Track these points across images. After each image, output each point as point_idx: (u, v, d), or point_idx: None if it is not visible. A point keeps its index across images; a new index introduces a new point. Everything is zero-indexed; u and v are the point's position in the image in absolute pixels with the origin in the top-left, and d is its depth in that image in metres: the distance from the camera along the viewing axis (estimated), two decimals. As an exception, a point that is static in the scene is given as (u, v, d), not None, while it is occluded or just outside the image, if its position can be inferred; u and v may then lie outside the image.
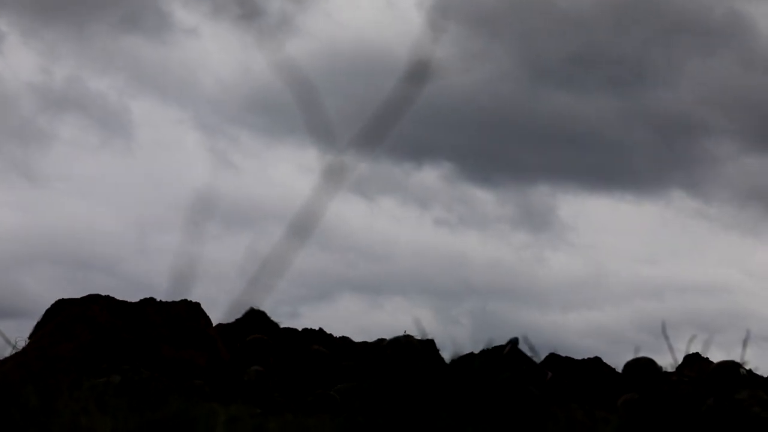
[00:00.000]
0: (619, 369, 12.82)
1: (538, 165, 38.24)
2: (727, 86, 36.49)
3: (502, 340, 10.72)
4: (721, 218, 36.99)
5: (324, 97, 2.99)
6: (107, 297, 14.71)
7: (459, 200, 37.57)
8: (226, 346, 14.86)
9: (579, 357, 16.71)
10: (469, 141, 38.57)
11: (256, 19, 3.04)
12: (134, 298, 14.94)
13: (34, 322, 14.56)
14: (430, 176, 39.08)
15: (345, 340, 17.20)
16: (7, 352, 12.07)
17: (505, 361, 10.16)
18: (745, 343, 7.15)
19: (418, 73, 2.99)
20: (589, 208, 38.87)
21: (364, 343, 16.99)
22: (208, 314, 15.19)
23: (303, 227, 3.06)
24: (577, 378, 14.15)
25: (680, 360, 9.88)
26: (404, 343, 12.15)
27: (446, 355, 8.92)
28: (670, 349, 6.26)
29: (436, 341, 13.64)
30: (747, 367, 9.67)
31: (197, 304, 15.01)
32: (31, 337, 14.09)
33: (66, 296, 14.82)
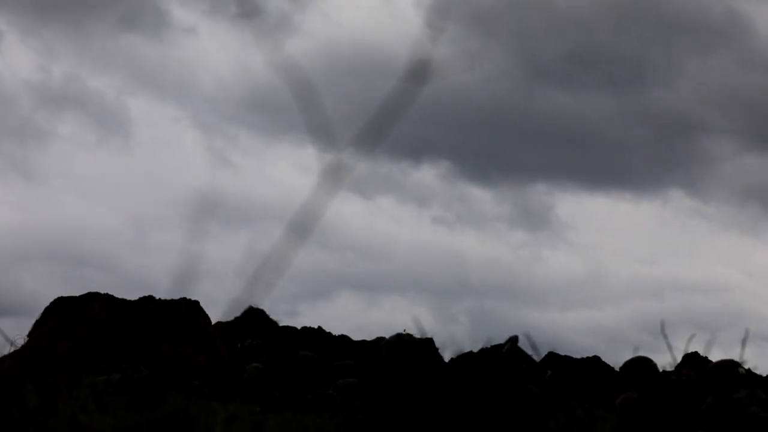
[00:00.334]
0: (618, 368, 12.83)
1: (537, 164, 38.25)
2: (726, 86, 36.50)
3: (500, 338, 10.73)
4: (720, 218, 37.01)
5: (322, 96, 2.99)
6: (106, 295, 14.70)
7: (457, 199, 37.58)
8: (225, 344, 14.86)
9: (578, 356, 16.72)
10: (467, 140, 38.57)
11: (255, 18, 3.04)
12: (132, 296, 14.94)
13: (33, 320, 14.55)
14: (428, 175, 39.09)
15: (344, 339, 17.19)
16: (7, 350, 12.08)
17: (504, 359, 10.17)
18: (744, 343, 7.15)
19: (418, 72, 2.99)
20: (587, 208, 38.90)
21: (363, 341, 16.99)
22: (207, 312, 15.19)
23: (302, 226, 3.07)
24: (576, 377, 14.15)
25: (679, 359, 9.89)
26: (403, 341, 12.17)
27: (445, 353, 8.93)
28: (669, 348, 6.26)
29: (434, 340, 13.65)
30: (746, 367, 9.67)
31: (196, 303, 15.00)
32: (30, 335, 14.08)
33: (64, 294, 14.81)
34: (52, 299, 14.74)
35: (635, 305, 31.84)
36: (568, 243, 36.48)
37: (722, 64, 36.50)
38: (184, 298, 14.80)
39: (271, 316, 17.03)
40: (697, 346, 7.32)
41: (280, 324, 16.92)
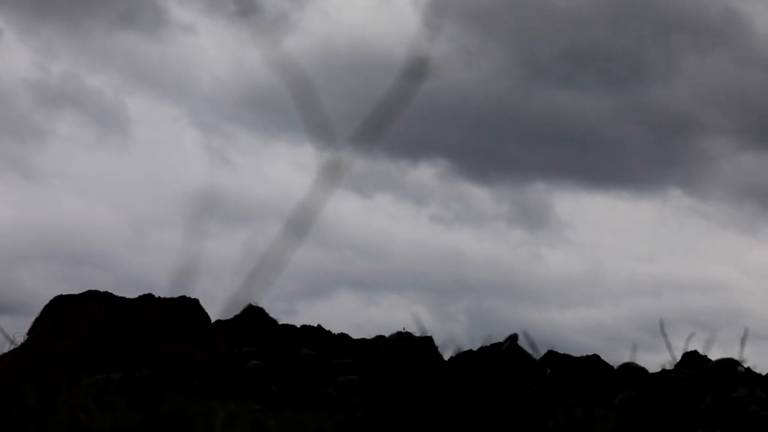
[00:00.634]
0: (617, 367, 12.83)
1: (535, 162, 38.27)
2: (723, 84, 36.50)
3: (498, 337, 10.73)
4: (718, 216, 37.03)
5: (320, 94, 2.99)
6: (106, 293, 14.70)
7: (455, 197, 37.60)
8: (225, 343, 14.86)
9: (577, 354, 16.72)
10: (465, 138, 38.58)
11: (252, 16, 3.03)
12: (131, 294, 14.93)
13: (31, 318, 14.54)
14: (426, 173, 39.10)
15: (343, 337, 17.19)
16: (6, 348, 12.08)
17: (504, 357, 10.17)
18: (743, 342, 7.14)
19: (416, 70, 2.99)
20: (585, 206, 38.91)
21: (363, 340, 16.99)
22: (206, 310, 15.19)
23: (300, 224, 3.06)
24: (575, 375, 14.15)
25: (678, 358, 9.88)
26: (403, 340, 12.17)
27: (445, 352, 8.92)
28: (668, 346, 6.26)
29: (433, 338, 13.65)
30: (745, 365, 9.68)
31: (196, 301, 15.00)
32: (29, 333, 14.08)
33: (62, 292, 14.81)
34: (51, 298, 14.74)
35: (633, 304, 31.87)
36: (567, 242, 36.51)
37: (720, 63, 36.51)
38: (184, 297, 14.80)
39: (270, 315, 17.03)
40: (695, 345, 7.31)
41: (280, 322, 16.92)
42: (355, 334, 17.39)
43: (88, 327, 13.79)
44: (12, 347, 13.01)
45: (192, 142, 36.46)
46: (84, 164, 36.02)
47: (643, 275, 34.54)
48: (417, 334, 12.26)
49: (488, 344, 10.14)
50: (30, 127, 34.14)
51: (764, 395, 8.88)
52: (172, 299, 14.71)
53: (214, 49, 39.64)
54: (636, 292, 33.31)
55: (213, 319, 15.13)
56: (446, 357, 8.77)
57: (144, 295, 14.87)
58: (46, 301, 14.70)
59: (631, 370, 10.02)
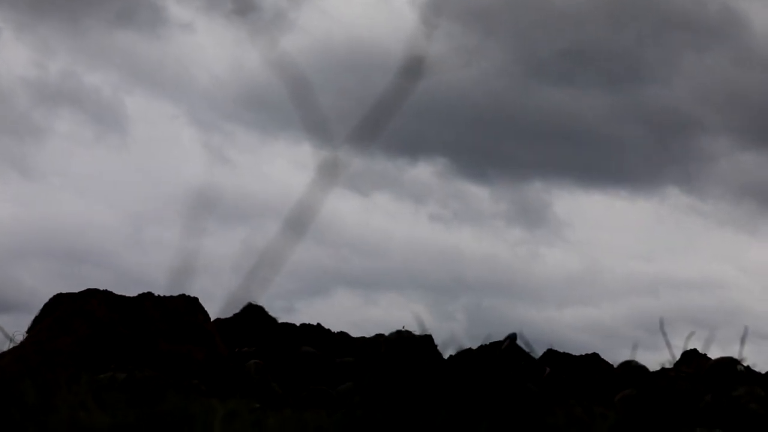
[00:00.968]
0: (617, 365, 12.83)
1: (533, 161, 38.20)
2: (722, 83, 36.51)
3: (497, 336, 10.73)
4: (716, 215, 37.03)
5: (318, 93, 2.99)
6: (105, 291, 14.70)
7: (454, 196, 37.54)
8: (224, 341, 14.86)
9: (575, 353, 16.72)
10: (463, 137, 38.52)
11: (250, 14, 3.03)
12: (130, 292, 14.91)
13: (29, 316, 14.54)
14: (424, 172, 39.05)
15: (343, 336, 17.19)
16: (6, 346, 12.08)
17: (503, 356, 10.17)
18: (743, 340, 7.15)
19: (413, 69, 2.99)
20: (583, 205, 38.89)
21: (362, 338, 16.99)
22: (206, 309, 15.18)
23: (299, 222, 3.06)
24: (574, 374, 14.15)
25: (678, 356, 9.86)
26: (403, 338, 12.17)
27: (444, 350, 8.92)
28: (668, 345, 6.26)
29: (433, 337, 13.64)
30: (745, 364, 9.68)
31: (195, 299, 15.00)
32: (29, 331, 14.08)
33: (61, 290, 14.80)
34: (49, 296, 14.73)
35: (631, 302, 31.87)
36: (565, 240, 36.51)
37: (719, 62, 36.51)
38: (183, 295, 14.80)
39: (270, 313, 17.02)
40: (694, 343, 7.32)
41: (279, 321, 16.92)
42: (354, 333, 17.38)
43: (88, 325, 13.80)
44: (11, 345, 13.02)
45: (190, 141, 36.45)
46: (82, 162, 36.01)
47: (641, 274, 34.55)
48: (417, 332, 12.26)
49: (488, 343, 10.14)
50: (28, 125, 34.16)
51: (764, 394, 8.88)
52: (171, 297, 14.71)
53: (213, 48, 39.62)
54: (634, 291, 33.32)
55: (212, 318, 15.14)
56: (446, 356, 8.78)
57: (143, 294, 14.87)
58: (45, 300, 14.71)
59: (631, 368, 10.02)
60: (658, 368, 11.19)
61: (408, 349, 11.49)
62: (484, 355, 9.65)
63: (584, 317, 29.70)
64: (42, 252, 29.65)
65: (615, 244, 38.75)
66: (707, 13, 35.77)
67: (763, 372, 13.08)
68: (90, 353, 13.10)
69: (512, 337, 10.49)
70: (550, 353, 15.34)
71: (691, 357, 14.75)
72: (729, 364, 9.63)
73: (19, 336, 13.78)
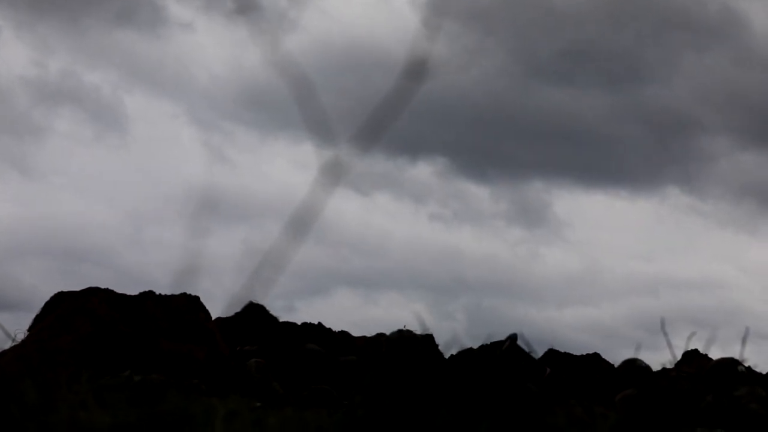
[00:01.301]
0: (619, 364, 12.82)
1: (533, 161, 38.21)
2: (722, 83, 36.50)
3: (497, 336, 10.73)
4: (716, 215, 37.04)
5: (319, 92, 2.99)
6: (106, 290, 14.71)
7: (454, 196, 37.54)
8: (225, 340, 14.86)
9: (575, 353, 16.71)
10: (463, 137, 38.51)
11: (251, 14, 3.03)
12: (130, 290, 14.93)
13: (29, 315, 14.55)
14: (424, 172, 39.05)
15: (344, 335, 17.20)
16: (7, 344, 12.08)
17: (504, 357, 10.17)
18: (744, 341, 7.15)
19: (416, 70, 2.99)
20: (583, 205, 38.89)
21: (364, 337, 16.99)
22: (207, 308, 15.19)
23: (301, 223, 3.06)
24: (575, 374, 14.15)
25: (678, 356, 9.86)
26: (404, 338, 12.16)
27: (446, 350, 8.92)
28: (669, 345, 6.27)
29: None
30: (746, 364, 9.68)
31: (196, 298, 15.01)
32: (30, 329, 14.09)
33: (61, 289, 14.81)
34: (50, 294, 14.74)
35: (631, 302, 31.88)
36: (565, 240, 36.51)
37: (719, 62, 36.50)
38: (185, 294, 14.81)
39: (271, 312, 17.02)
40: (694, 343, 7.33)
41: (280, 320, 16.92)
42: (354, 332, 17.40)
43: (89, 324, 13.80)
44: (12, 344, 13.02)
45: (190, 140, 36.45)
46: (82, 161, 36.03)
47: (642, 274, 34.56)
48: (418, 332, 12.26)
49: (489, 343, 10.14)
50: (28, 124, 34.18)
51: (765, 394, 8.88)
52: (173, 296, 14.72)
53: (213, 47, 39.63)
54: (634, 291, 33.34)
55: (214, 317, 15.14)
56: (447, 355, 8.78)
57: (145, 292, 14.88)
58: (46, 298, 14.72)
59: (634, 367, 10.02)
60: (659, 368, 11.20)
61: (409, 348, 11.49)
62: (485, 356, 9.65)
63: (584, 317, 29.71)
64: (42, 251, 29.68)
65: (615, 244, 38.76)
66: (707, 13, 35.77)
67: (764, 372, 13.08)
68: (91, 352, 13.11)
69: (513, 338, 10.49)
70: (551, 353, 15.34)
71: (692, 357, 14.76)
72: (730, 364, 9.63)
73: (20, 334, 13.80)
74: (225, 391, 9.93)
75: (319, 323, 17.16)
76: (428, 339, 12.16)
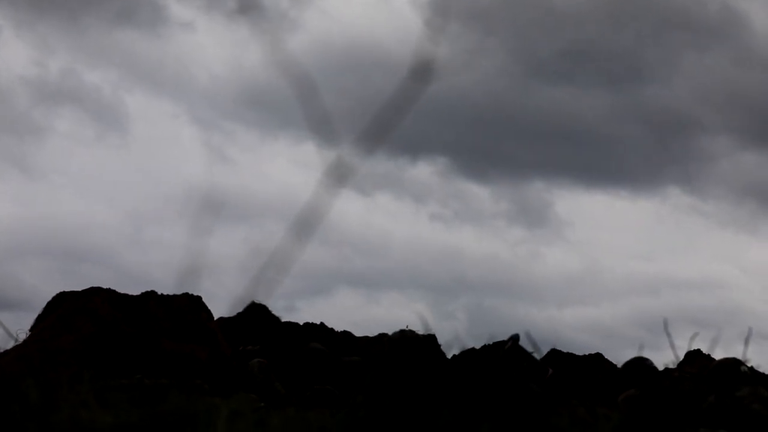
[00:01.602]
0: (620, 365, 12.81)
1: (534, 161, 38.28)
2: (722, 83, 36.49)
3: (498, 335, 10.73)
4: (717, 215, 37.05)
5: (321, 92, 2.98)
6: (109, 290, 14.71)
7: (454, 196, 37.57)
8: (228, 340, 14.86)
9: (576, 353, 16.70)
10: (464, 137, 38.54)
11: (252, 13, 3.03)
12: (131, 290, 14.93)
13: (30, 314, 14.56)
14: (424, 172, 39.08)
15: (346, 335, 17.21)
16: (9, 344, 12.08)
17: (506, 357, 10.16)
18: (746, 341, 7.14)
19: (421, 71, 2.98)
20: (584, 205, 38.90)
21: (366, 337, 17.00)
22: (209, 308, 15.19)
23: (306, 224, 3.06)
24: (578, 374, 14.15)
25: (681, 357, 9.86)
26: (406, 338, 12.15)
27: (448, 350, 8.92)
28: (672, 346, 6.26)
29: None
30: (748, 365, 9.66)
31: (198, 298, 15.01)
32: (32, 329, 14.09)
33: (62, 289, 14.82)
34: (50, 294, 14.75)
35: (632, 302, 31.89)
36: (565, 240, 36.52)
37: (719, 62, 36.50)
38: (187, 294, 14.81)
39: (273, 312, 17.04)
40: (694, 344, 7.35)
41: (282, 320, 16.94)
42: (356, 332, 17.42)
43: (91, 323, 13.80)
44: (14, 344, 13.02)
45: (191, 140, 36.48)
46: (83, 161, 36.07)
47: (642, 274, 34.57)
48: (420, 332, 12.26)
49: (491, 343, 10.14)
50: (28, 124, 34.19)
51: (767, 394, 8.87)
52: (175, 296, 14.73)
53: (213, 47, 39.66)
54: (634, 291, 33.35)
55: (216, 317, 15.15)
56: (450, 355, 8.77)
57: (147, 292, 14.88)
58: (47, 298, 14.73)
59: (638, 367, 10.00)
60: (661, 368, 11.19)
61: (411, 348, 11.48)
62: (488, 356, 9.64)
63: (585, 317, 29.71)
64: (42, 250, 29.71)
65: (615, 244, 38.76)
66: (707, 13, 35.75)
67: (767, 373, 13.07)
68: (93, 352, 13.11)
69: (515, 338, 10.48)
70: (554, 353, 15.35)
71: (695, 357, 14.76)
72: (732, 364, 9.61)
73: (22, 334, 13.80)
74: (227, 391, 9.92)
75: (322, 323, 17.18)
76: (430, 339, 12.15)
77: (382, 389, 3.64)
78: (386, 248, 35.32)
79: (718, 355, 10.24)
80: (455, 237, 35.78)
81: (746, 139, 38.02)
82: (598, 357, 16.62)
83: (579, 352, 16.73)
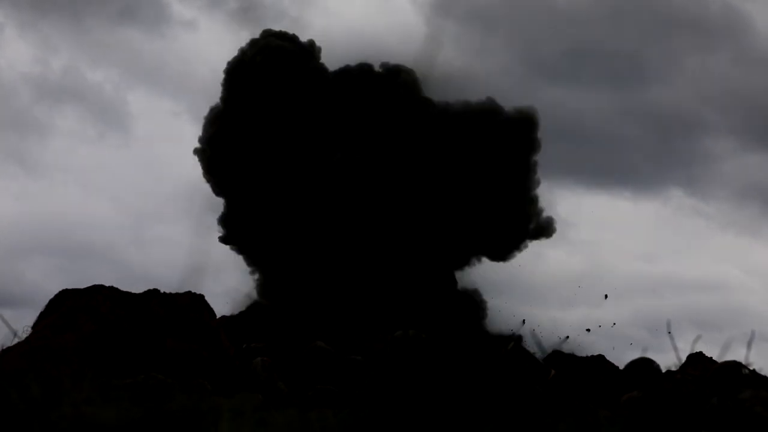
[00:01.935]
0: (622, 366, 12.82)
1: (536, 161, 38.21)
2: (725, 84, 36.56)
3: (501, 336, 10.73)
4: (718, 216, 37.11)
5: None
6: (111, 288, 14.71)
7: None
8: (229, 338, 14.87)
9: (578, 353, 16.69)
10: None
11: (252, 13, 3.03)
12: (133, 288, 14.94)
13: (33, 312, 14.57)
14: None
15: (350, 334, 17.22)
16: (11, 341, 12.10)
17: (508, 358, 10.18)
18: (749, 344, 7.13)
19: (426, 73, 2.99)
20: (587, 206, 38.94)
21: (368, 337, 17.00)
22: (212, 306, 15.19)
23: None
24: (580, 375, 14.15)
25: (683, 359, 9.86)
26: (409, 338, 12.17)
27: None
28: (675, 348, 6.25)
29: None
30: (750, 367, 9.68)
31: (201, 296, 15.02)
32: (34, 327, 14.11)
33: (63, 286, 14.83)
34: (52, 291, 14.77)
35: (634, 303, 31.94)
36: (568, 241, 36.57)
37: (721, 63, 36.55)
38: (189, 292, 14.82)
39: (274, 312, 17.06)
40: (694, 346, 7.34)
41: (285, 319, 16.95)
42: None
43: (93, 322, 13.81)
44: (17, 341, 13.04)
45: (192, 137, 36.53)
46: (85, 158, 36.21)
47: (644, 274, 34.62)
48: (423, 333, 12.27)
49: (494, 343, 10.15)
50: (31, 121, 34.32)
51: (769, 397, 8.86)
52: (177, 295, 14.73)
53: (215, 45, 39.76)
54: (637, 292, 33.41)
55: (218, 316, 15.15)
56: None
57: (149, 291, 14.88)
58: (49, 295, 14.74)
59: (647, 369, 10.01)
60: (663, 371, 11.18)
61: (414, 348, 11.49)
62: (490, 357, 9.65)
63: (587, 317, 29.73)
64: (44, 247, 29.79)
65: (618, 245, 38.81)
66: (710, 13, 35.76)
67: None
68: (95, 350, 13.12)
69: (517, 340, 10.49)
70: (556, 354, 15.34)
71: (697, 360, 14.75)
72: (734, 367, 9.62)
73: (24, 332, 13.81)
74: (230, 389, 9.94)
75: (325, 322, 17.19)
76: (432, 339, 12.17)
77: (385, 389, 3.65)
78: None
79: (715, 354, 10.26)
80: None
81: (748, 141, 38.14)
82: (600, 358, 16.62)
83: (581, 353, 16.73)
